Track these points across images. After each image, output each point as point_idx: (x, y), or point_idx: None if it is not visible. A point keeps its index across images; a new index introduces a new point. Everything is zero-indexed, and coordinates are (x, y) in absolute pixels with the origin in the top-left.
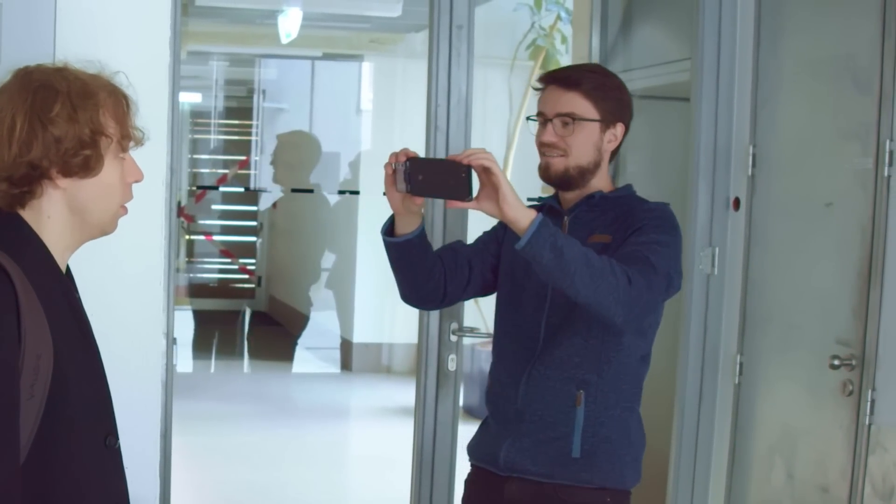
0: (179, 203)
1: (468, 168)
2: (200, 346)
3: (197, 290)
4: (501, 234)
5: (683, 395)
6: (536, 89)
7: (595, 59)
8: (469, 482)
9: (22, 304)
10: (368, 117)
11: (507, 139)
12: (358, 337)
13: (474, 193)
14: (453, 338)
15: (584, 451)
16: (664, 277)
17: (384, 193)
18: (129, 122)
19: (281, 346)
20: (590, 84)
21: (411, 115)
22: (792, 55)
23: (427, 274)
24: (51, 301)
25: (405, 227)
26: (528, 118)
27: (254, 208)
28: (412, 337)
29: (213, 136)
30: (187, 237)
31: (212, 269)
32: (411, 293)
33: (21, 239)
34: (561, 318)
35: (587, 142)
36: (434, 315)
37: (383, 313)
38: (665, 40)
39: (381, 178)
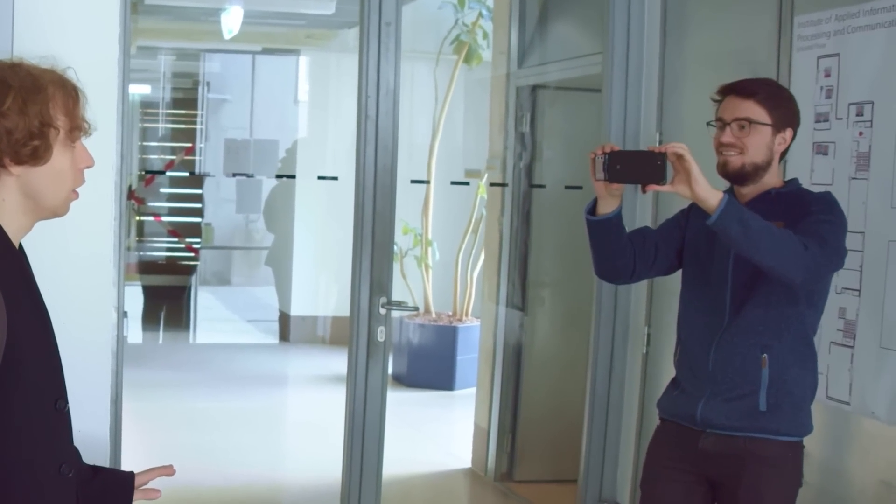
0: (130, 187)
1: (664, 156)
2: (149, 319)
3: (146, 267)
4: (684, 221)
5: (596, 363)
6: (715, 101)
7: (514, 54)
8: (660, 433)
9: None
10: (305, 107)
11: (432, 128)
12: (295, 310)
13: (668, 178)
14: (382, 311)
15: (770, 405)
16: (833, 250)
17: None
18: (78, 113)
19: None
20: (764, 94)
21: (344, 106)
22: (695, 49)
23: (621, 251)
24: (5, 276)
25: (605, 209)
26: (708, 123)
27: (199, 191)
28: (345, 310)
29: (161, 125)
30: (137, 218)
31: (160, 247)
32: (606, 267)
33: None
34: (744, 294)
35: (761, 143)
36: (364, 290)
37: (318, 288)
38: (578, 36)
39: (316, 164)
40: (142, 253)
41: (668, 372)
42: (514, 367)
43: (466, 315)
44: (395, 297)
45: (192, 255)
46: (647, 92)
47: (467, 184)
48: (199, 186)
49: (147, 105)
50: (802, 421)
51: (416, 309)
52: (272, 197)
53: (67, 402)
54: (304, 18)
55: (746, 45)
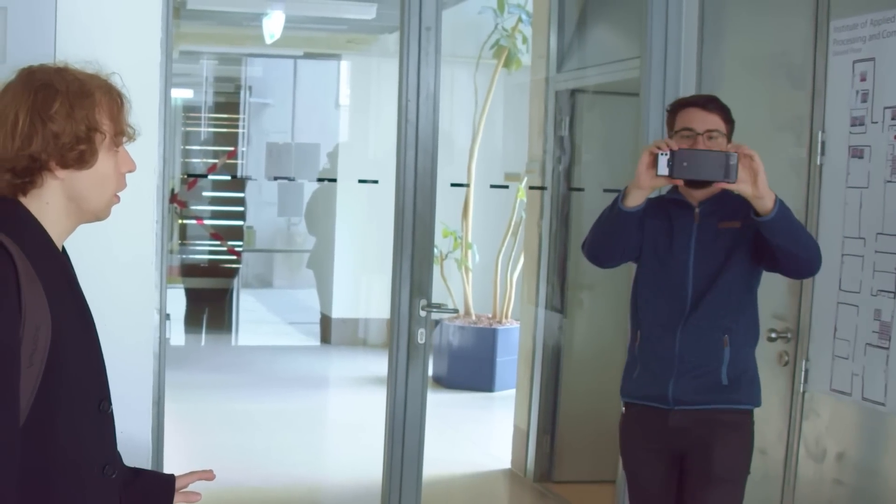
0: (173, 190)
1: (736, 156)
2: (192, 321)
3: (189, 270)
4: (641, 215)
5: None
6: (669, 111)
7: (552, 58)
8: (629, 419)
9: (22, 279)
10: (346, 112)
11: (472, 132)
12: (336, 312)
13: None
14: (422, 313)
15: (730, 380)
16: None
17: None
18: (122, 119)
19: None
20: (720, 109)
21: (385, 110)
22: (732, 53)
23: (627, 239)
24: (49, 277)
25: (636, 201)
26: (676, 132)
27: (241, 195)
28: (385, 312)
29: (203, 129)
30: (180, 221)
31: (203, 250)
32: (604, 252)
33: (21, 222)
34: (705, 283)
35: (722, 147)
36: (405, 292)
37: (359, 291)
38: (616, 40)
39: (357, 168)
40: (184, 256)
41: None
42: (553, 368)
43: (506, 317)
44: (436, 299)
45: (234, 257)
46: (685, 95)
47: (507, 187)
48: (242, 190)
49: (190, 109)
50: (756, 393)
51: (456, 311)
52: (314, 200)
53: (111, 404)
54: (345, 23)
55: (783, 50)
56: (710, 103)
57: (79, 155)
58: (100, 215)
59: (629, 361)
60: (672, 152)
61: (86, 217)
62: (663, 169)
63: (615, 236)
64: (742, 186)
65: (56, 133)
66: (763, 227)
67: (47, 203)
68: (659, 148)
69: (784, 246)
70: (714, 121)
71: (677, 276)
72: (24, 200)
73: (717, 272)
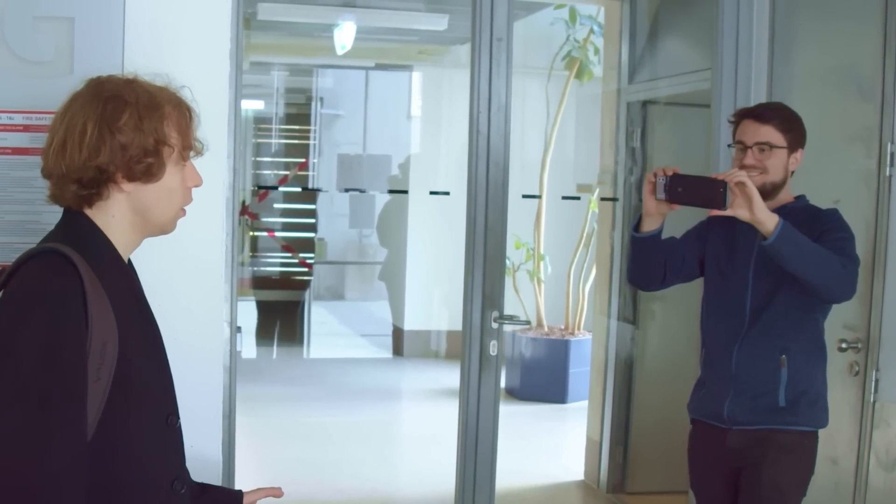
0: (244, 202)
1: (725, 184)
2: (263, 334)
3: (260, 283)
4: (705, 233)
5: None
6: (731, 122)
7: (624, 69)
8: (694, 436)
9: (88, 293)
10: (417, 123)
11: (543, 143)
12: (409, 325)
13: (728, 204)
14: (494, 325)
15: (788, 402)
16: (857, 263)
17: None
18: (191, 133)
19: None
20: (779, 119)
21: (456, 121)
22: (802, 65)
23: (658, 264)
24: (115, 291)
25: (651, 226)
26: (728, 145)
27: (312, 206)
28: (457, 324)
29: (274, 141)
30: (251, 234)
31: (274, 262)
32: (641, 276)
33: (87, 235)
34: (763, 301)
35: (778, 164)
36: (477, 304)
37: (431, 303)
38: (687, 52)
39: (428, 179)
40: (256, 268)
41: None
42: (625, 379)
43: (578, 329)
44: (508, 311)
45: (305, 270)
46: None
47: (578, 198)
48: (313, 202)
49: (260, 120)
50: (817, 415)
51: (529, 323)
52: (385, 212)
53: (179, 418)
54: (416, 34)
55: (852, 61)
56: (766, 114)
57: (146, 168)
58: (165, 229)
59: (699, 378)
60: (668, 178)
61: (151, 231)
62: (661, 193)
63: (642, 262)
64: (739, 212)
65: (124, 145)
66: (766, 251)
67: (113, 216)
68: (655, 174)
69: (792, 271)
70: (767, 133)
71: (737, 292)
72: (90, 212)
73: (774, 289)
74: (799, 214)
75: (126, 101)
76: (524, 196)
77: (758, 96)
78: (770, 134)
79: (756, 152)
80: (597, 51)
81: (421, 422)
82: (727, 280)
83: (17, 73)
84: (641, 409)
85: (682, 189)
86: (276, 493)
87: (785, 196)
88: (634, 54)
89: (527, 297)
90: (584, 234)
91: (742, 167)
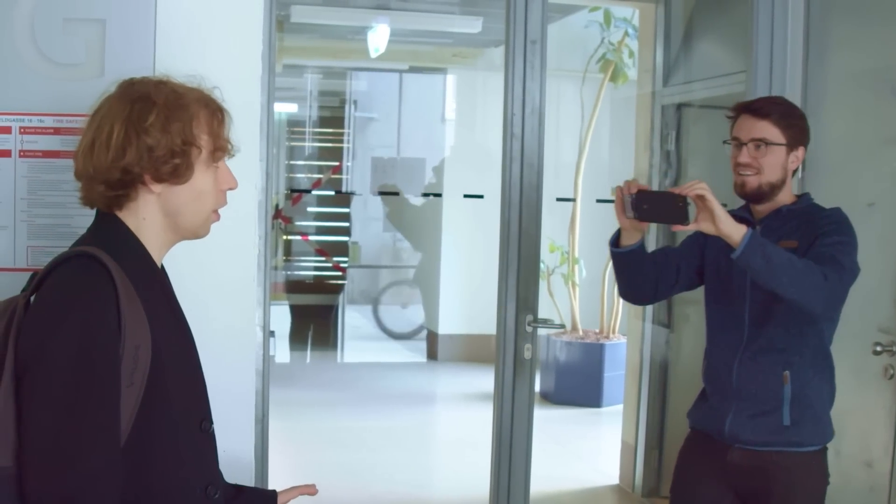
0: (277, 206)
1: (685, 198)
2: (297, 338)
3: (294, 287)
4: (703, 240)
5: None
6: (729, 117)
7: (658, 72)
8: (690, 442)
9: (121, 297)
10: (452, 126)
11: (578, 146)
12: (443, 328)
13: (691, 218)
14: (529, 329)
15: (793, 420)
16: (850, 272)
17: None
18: (221, 134)
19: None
20: (778, 114)
21: (490, 124)
22: (837, 67)
23: (644, 277)
24: (148, 295)
25: (629, 240)
26: (724, 142)
27: (346, 210)
28: (492, 328)
29: (308, 144)
30: (285, 237)
31: (308, 266)
32: (629, 291)
33: (119, 238)
34: (763, 312)
35: (776, 162)
36: (511, 307)
37: (465, 306)
38: (722, 54)
39: (462, 182)
40: (289, 272)
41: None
42: (660, 383)
43: (613, 332)
44: (542, 314)
45: (339, 273)
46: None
47: (613, 201)
48: (347, 205)
49: (294, 124)
50: (823, 430)
51: (563, 326)
52: (420, 215)
53: (212, 423)
54: (450, 37)
55: (887, 64)
56: (764, 108)
57: (173, 169)
58: (198, 232)
59: (702, 388)
60: (633, 196)
61: (183, 233)
62: (629, 211)
63: (627, 278)
64: (702, 225)
65: (150, 146)
66: (737, 264)
67: (144, 218)
68: (622, 190)
69: (764, 285)
70: (763, 128)
71: (735, 302)
72: (120, 215)
73: (774, 300)
74: (797, 216)
75: (153, 102)
76: (558, 199)
77: (792, 99)
78: (767, 130)
79: (751, 149)
80: (631, 53)
81: (455, 426)
82: (726, 289)
83: (47, 75)
84: (676, 412)
85: (648, 206)
86: (311, 490)
87: (785, 197)
88: (669, 57)
89: (561, 301)
90: None
91: (736, 165)
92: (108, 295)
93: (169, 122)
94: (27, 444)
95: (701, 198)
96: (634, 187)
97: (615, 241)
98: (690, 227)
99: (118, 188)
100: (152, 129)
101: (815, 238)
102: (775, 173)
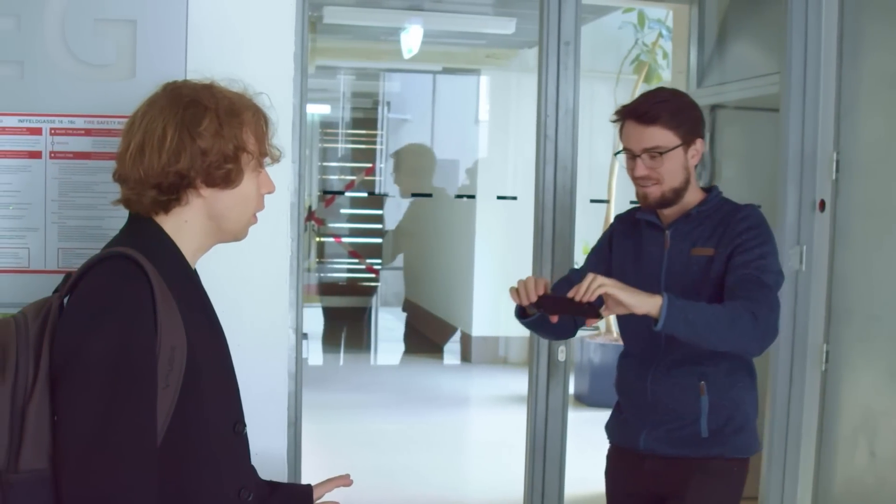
0: (310, 208)
1: (591, 303)
2: (330, 340)
3: (327, 289)
4: (608, 249)
5: (775, 381)
6: (613, 122)
7: (693, 73)
8: (611, 457)
9: (158, 299)
10: (485, 127)
11: (612, 147)
12: (476, 331)
13: (602, 309)
14: None
15: (711, 431)
16: (776, 287)
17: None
18: (267, 140)
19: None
20: (666, 115)
21: (524, 125)
22: (871, 69)
23: (559, 328)
24: (184, 298)
25: (531, 311)
26: (615, 153)
27: (379, 212)
28: (525, 330)
29: (341, 145)
30: (318, 239)
31: (341, 268)
32: (552, 339)
33: (154, 240)
34: None
35: (675, 167)
36: None
37: (500, 308)
38: (756, 56)
39: (495, 184)
40: (322, 274)
41: (848, 389)
42: None
43: None
44: None
45: (372, 276)
46: (825, 111)
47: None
48: (380, 207)
49: (327, 125)
50: (745, 441)
51: (597, 329)
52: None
53: (245, 425)
54: (484, 38)
55: None
56: (649, 112)
57: (225, 174)
58: (238, 235)
59: (617, 401)
60: (533, 303)
61: (224, 237)
62: (532, 308)
63: (543, 333)
64: (616, 310)
65: (204, 150)
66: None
67: (186, 221)
68: (517, 293)
69: (696, 346)
70: (653, 135)
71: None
72: (163, 218)
73: None
74: (709, 217)
75: (206, 107)
76: (592, 201)
77: (827, 99)
78: (658, 136)
79: (646, 160)
80: (665, 55)
81: (489, 428)
82: None
83: (78, 76)
84: None
85: (552, 304)
86: (346, 481)
87: (692, 196)
88: (703, 58)
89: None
90: None
91: (634, 178)
92: (144, 296)
93: (222, 127)
94: (63, 447)
95: (605, 294)
96: (534, 294)
97: (520, 311)
98: (605, 315)
99: (171, 192)
100: (206, 134)
101: (732, 249)
102: (677, 178)
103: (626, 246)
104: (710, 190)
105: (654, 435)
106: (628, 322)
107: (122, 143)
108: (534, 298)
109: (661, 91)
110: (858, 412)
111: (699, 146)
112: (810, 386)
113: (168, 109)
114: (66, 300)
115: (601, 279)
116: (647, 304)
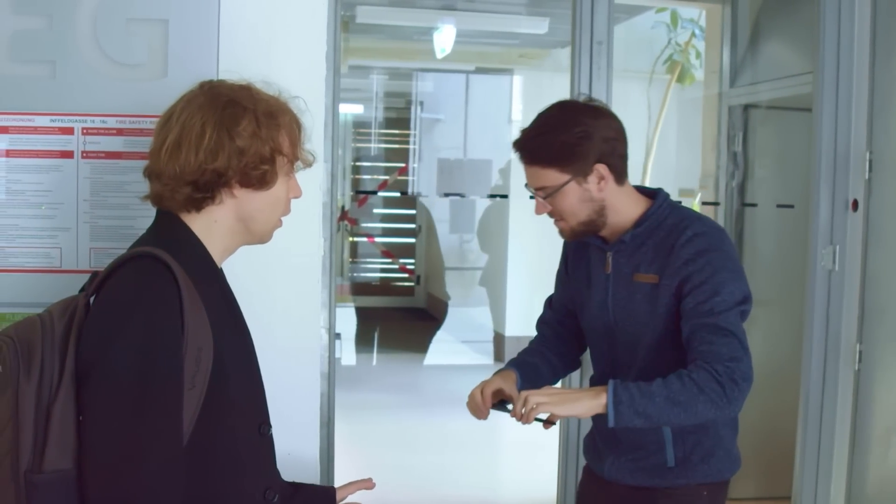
0: (343, 207)
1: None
2: (363, 341)
3: (360, 289)
4: (564, 270)
5: (808, 381)
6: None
7: (725, 73)
8: (583, 475)
9: (185, 299)
10: (518, 127)
11: (645, 148)
12: (510, 330)
13: (549, 416)
14: None
15: (679, 460)
16: (739, 323)
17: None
18: (300, 144)
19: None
20: (546, 153)
21: None
22: None
23: (569, 365)
24: (210, 298)
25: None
26: (525, 186)
27: (412, 212)
28: None
29: (373, 145)
30: (351, 239)
31: (374, 268)
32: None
33: (181, 239)
34: (628, 353)
35: (572, 202)
36: None
37: (533, 308)
38: (789, 55)
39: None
40: (355, 274)
41: (882, 389)
42: None
43: None
44: None
45: (405, 275)
46: (858, 111)
47: (680, 203)
48: (413, 207)
49: (360, 125)
50: (716, 465)
51: None
52: (486, 217)
53: (270, 427)
54: (516, 38)
55: None
56: (524, 150)
57: (261, 175)
58: (263, 238)
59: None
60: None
61: (250, 239)
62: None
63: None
64: (565, 416)
65: (241, 150)
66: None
67: (216, 221)
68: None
69: (663, 427)
70: (537, 175)
71: (602, 339)
72: (192, 217)
73: (637, 337)
74: (649, 238)
75: (245, 108)
76: None
77: (860, 99)
78: (542, 176)
79: (541, 198)
80: (698, 54)
81: (522, 428)
82: (591, 325)
83: (110, 76)
84: (745, 413)
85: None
86: (368, 485)
87: (624, 218)
88: (736, 58)
89: None
90: None
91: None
92: (171, 296)
93: (260, 128)
94: (89, 447)
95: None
96: (485, 410)
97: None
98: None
99: (206, 190)
100: (244, 134)
101: (680, 281)
102: (580, 213)
103: (580, 270)
104: (651, 204)
105: (617, 464)
106: (590, 342)
107: (156, 139)
108: (486, 415)
109: (544, 120)
110: (892, 412)
111: (602, 170)
112: (843, 385)
113: (207, 107)
114: (92, 300)
115: (533, 399)
116: (591, 405)
